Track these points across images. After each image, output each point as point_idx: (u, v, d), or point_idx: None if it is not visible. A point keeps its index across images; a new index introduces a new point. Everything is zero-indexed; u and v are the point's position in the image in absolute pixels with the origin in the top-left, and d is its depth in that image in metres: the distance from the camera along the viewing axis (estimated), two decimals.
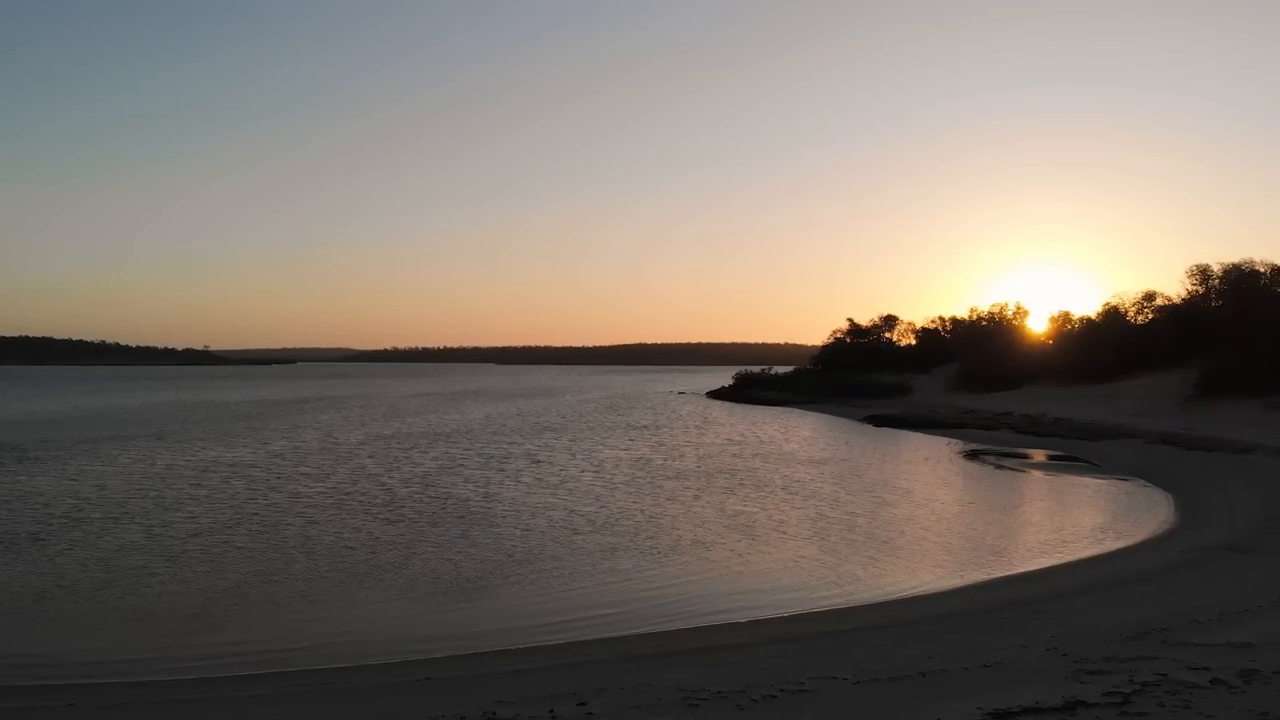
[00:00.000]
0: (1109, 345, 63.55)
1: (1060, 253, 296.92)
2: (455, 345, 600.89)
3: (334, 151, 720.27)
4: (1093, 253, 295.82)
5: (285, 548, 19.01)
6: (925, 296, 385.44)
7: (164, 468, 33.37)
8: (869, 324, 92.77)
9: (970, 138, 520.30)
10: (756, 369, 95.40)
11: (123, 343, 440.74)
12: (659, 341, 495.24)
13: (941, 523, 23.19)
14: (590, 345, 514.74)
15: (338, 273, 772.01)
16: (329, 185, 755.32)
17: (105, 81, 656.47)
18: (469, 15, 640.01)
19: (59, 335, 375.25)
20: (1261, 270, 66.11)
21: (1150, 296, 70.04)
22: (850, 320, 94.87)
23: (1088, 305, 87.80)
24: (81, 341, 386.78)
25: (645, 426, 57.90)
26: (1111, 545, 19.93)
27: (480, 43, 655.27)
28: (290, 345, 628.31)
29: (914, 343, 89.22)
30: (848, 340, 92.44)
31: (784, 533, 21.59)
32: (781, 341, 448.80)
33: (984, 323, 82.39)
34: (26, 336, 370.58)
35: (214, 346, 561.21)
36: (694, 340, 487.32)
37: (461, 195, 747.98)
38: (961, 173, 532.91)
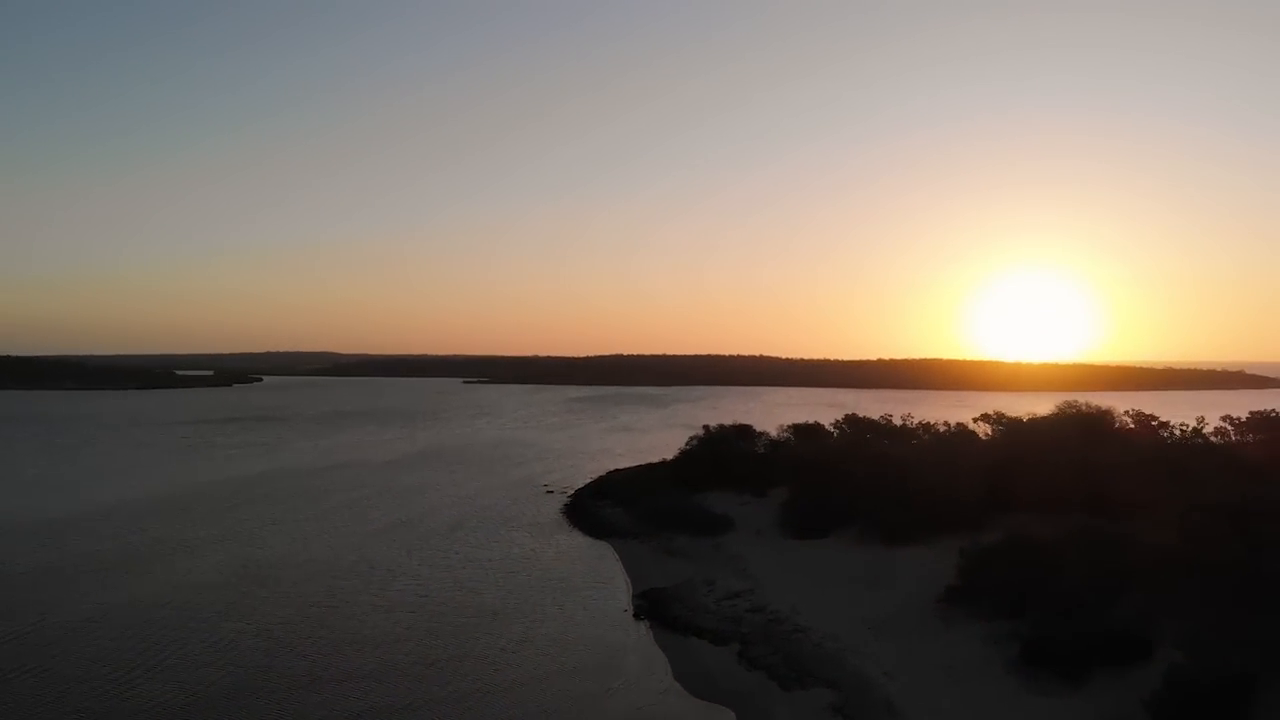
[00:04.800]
0: (904, 494, 59.39)
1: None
2: (434, 353, 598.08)
3: (314, 152, 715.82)
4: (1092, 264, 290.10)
5: None
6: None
7: None
8: (723, 429, 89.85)
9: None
10: (632, 466, 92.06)
11: (86, 359, 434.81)
12: (649, 352, 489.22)
13: None
14: (579, 354, 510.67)
15: (321, 276, 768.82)
16: (315, 186, 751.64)
17: (73, 80, 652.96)
18: (452, 21, 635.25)
19: (16, 353, 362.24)
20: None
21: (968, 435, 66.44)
22: (706, 427, 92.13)
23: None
24: (39, 358, 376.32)
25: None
26: None
27: (465, 46, 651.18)
28: (272, 349, 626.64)
29: (762, 452, 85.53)
30: (705, 444, 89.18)
31: None
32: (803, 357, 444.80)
33: (816, 443, 78.59)
34: None
35: (185, 351, 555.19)
36: (698, 352, 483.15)
37: (447, 195, 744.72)
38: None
